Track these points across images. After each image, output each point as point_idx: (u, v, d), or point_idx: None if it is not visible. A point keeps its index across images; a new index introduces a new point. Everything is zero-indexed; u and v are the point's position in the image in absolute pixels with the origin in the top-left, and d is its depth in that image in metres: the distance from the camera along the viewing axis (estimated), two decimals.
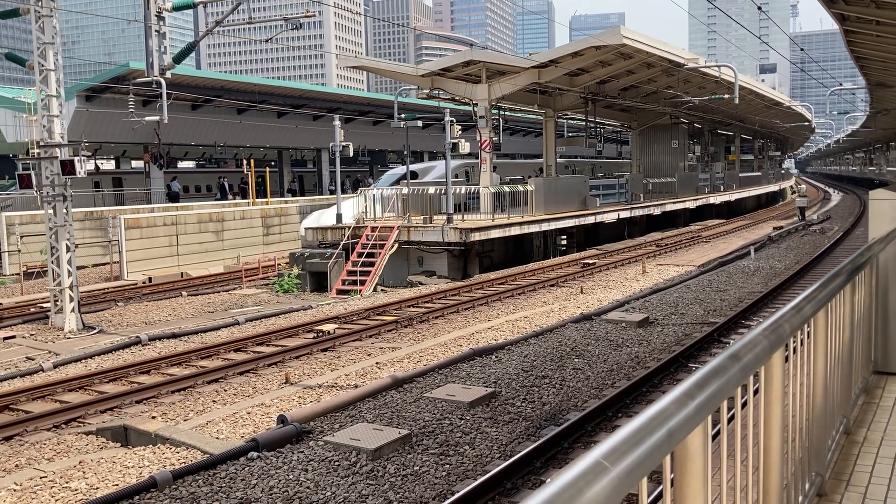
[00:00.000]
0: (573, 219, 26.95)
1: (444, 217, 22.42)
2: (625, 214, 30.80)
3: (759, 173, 57.81)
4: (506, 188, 25.44)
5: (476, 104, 26.67)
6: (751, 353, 2.14)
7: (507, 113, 34.77)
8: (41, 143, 16.29)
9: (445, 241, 21.79)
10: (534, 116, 41.03)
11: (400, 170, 29.99)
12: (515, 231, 23.94)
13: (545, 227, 25.50)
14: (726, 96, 30.60)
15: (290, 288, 21.07)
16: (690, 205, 38.17)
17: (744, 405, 2.45)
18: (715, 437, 4.25)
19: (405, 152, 27.30)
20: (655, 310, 15.07)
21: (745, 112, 43.29)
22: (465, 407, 8.99)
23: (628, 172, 37.91)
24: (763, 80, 75.95)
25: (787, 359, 2.85)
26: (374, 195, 24.57)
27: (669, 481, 1.81)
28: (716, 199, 42.44)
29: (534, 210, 25.62)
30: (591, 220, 28.14)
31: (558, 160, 33.71)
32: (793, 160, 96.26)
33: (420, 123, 29.33)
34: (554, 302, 17.42)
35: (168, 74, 16.16)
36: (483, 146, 26.27)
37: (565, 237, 27.21)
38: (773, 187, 61.00)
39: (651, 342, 12.40)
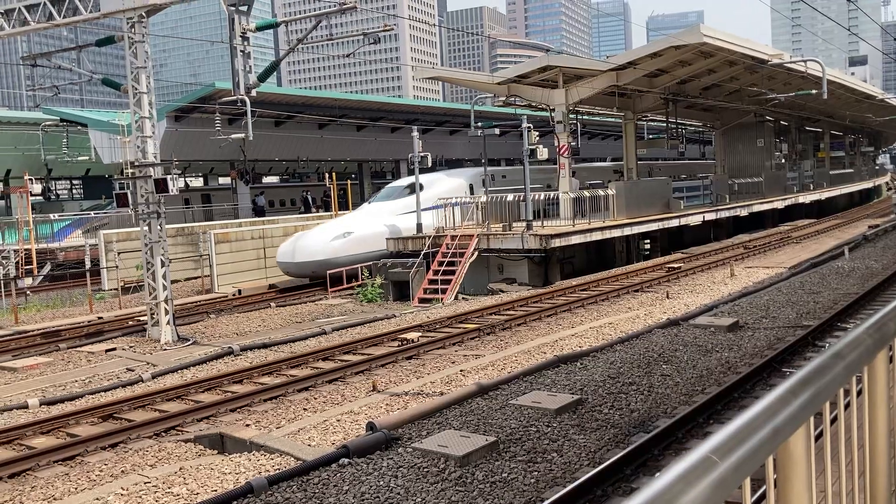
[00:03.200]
0: (656, 222, 26.46)
1: (524, 224, 22.37)
2: (710, 216, 30.05)
3: (851, 170, 55.51)
4: (586, 193, 25.20)
5: (553, 109, 26.54)
6: (854, 353, 2.09)
7: (584, 117, 34.48)
8: (136, 163, 17.06)
9: (525, 249, 21.73)
10: (613, 119, 40.54)
11: (403, 182, 28.53)
12: (597, 236, 23.67)
13: (627, 231, 25.13)
14: (814, 92, 29.52)
15: (374, 297, 21.39)
16: (779, 205, 36.94)
17: (846, 407, 2.39)
18: (817, 439, 4.11)
19: (482, 160, 27.39)
20: (745, 314, 14.66)
21: (834, 107, 41.67)
22: (552, 414, 8.95)
23: (712, 173, 37.00)
24: (853, 74, 73.00)
25: (891, 359, 2.76)
26: (454, 203, 24.67)
27: (773, 482, 1.79)
28: (805, 198, 40.95)
29: (615, 214, 25.28)
30: (674, 223, 27.57)
31: (639, 163, 33.14)
32: (888, 155, 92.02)
33: (497, 131, 29.39)
34: (639, 307, 17.15)
35: (253, 93, 16.69)
36: (561, 151, 26.11)
37: (648, 241, 26.74)
38: (867, 184, 58.43)
39: (742, 347, 12.07)
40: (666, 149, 34.30)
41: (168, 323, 16.60)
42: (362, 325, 17.37)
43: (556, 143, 26.23)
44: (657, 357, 11.58)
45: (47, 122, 38.38)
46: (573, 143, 26.72)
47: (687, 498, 1.08)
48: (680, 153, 37.56)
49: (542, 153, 23.34)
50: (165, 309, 16.65)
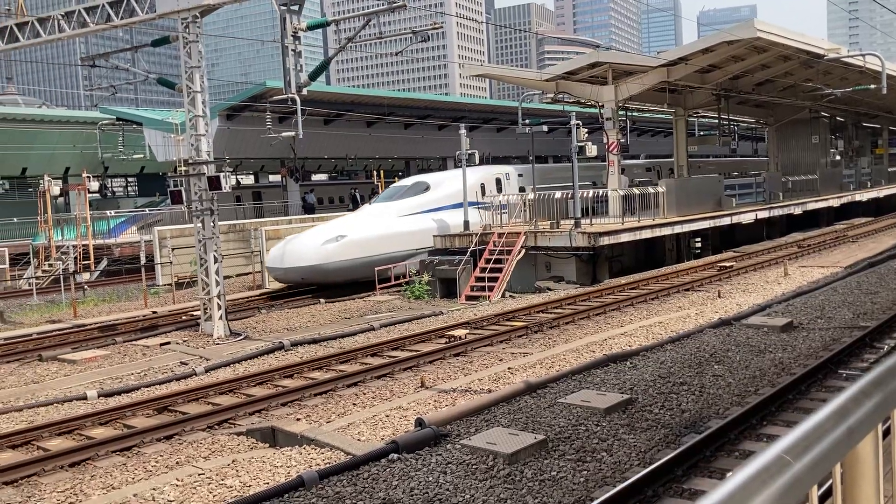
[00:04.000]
0: (707, 220, 26.04)
1: (572, 221, 22.21)
2: (763, 214, 29.46)
3: None
4: (635, 190, 24.92)
5: (602, 106, 26.31)
6: None
7: (634, 114, 34.09)
8: (189, 161, 17.40)
9: (573, 246, 21.59)
10: (663, 116, 40.00)
11: (408, 181, 27.15)
12: (646, 234, 23.40)
13: (678, 229, 24.78)
14: (872, 87, 28.72)
15: (421, 294, 21.48)
16: (834, 203, 36.03)
17: None
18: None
19: (530, 157, 27.29)
20: (800, 314, 14.35)
21: (893, 102, 40.47)
22: (601, 413, 8.88)
23: (765, 171, 36.27)
24: None
25: None
26: (499, 202, 24.59)
27: (839, 482, 1.76)
28: (862, 195, 39.86)
29: (665, 212, 24.96)
30: (726, 221, 27.10)
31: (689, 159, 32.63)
32: None
33: (545, 128, 29.26)
34: (690, 307, 16.91)
35: (304, 91, 16.89)
36: (610, 148, 25.87)
37: (699, 239, 26.33)
38: None
39: (796, 348, 11.82)
40: (717, 146, 33.75)
41: (220, 318, 16.90)
42: (410, 321, 17.45)
43: (604, 140, 25.99)
44: (709, 357, 11.41)
45: (104, 121, 39.38)
46: (622, 140, 26.44)
47: (760, 498, 1.07)
48: (732, 150, 36.87)
49: (591, 150, 23.16)
50: (218, 304, 16.95)
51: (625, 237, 22.47)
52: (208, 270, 17.08)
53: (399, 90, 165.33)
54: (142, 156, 38.60)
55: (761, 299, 16.65)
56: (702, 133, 40.03)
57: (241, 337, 16.60)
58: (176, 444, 9.75)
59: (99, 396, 12.16)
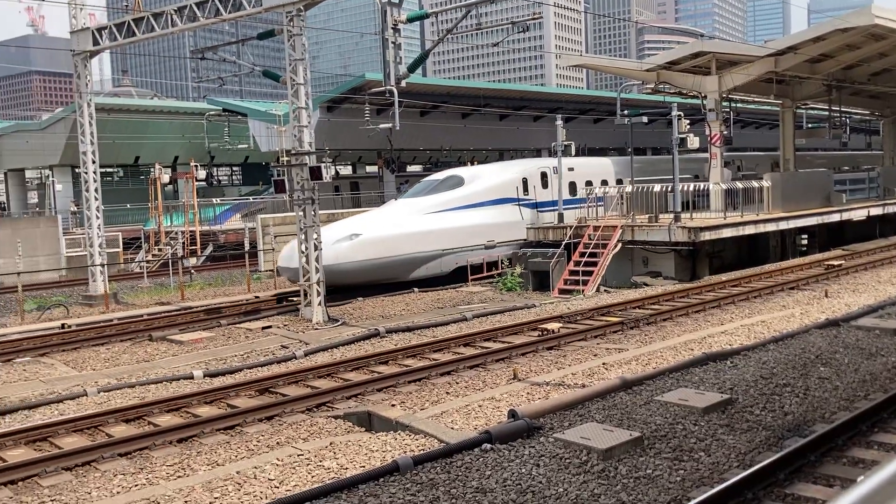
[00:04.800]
0: (815, 216, 24.96)
1: (671, 216, 21.70)
2: (876, 211, 28.01)
3: None
4: (738, 184, 24.11)
5: (705, 97, 25.55)
6: None
7: (738, 105, 32.95)
8: (292, 152, 17.91)
9: (672, 241, 21.09)
10: (768, 108, 38.51)
11: (440, 175, 25.38)
12: (749, 230, 22.63)
13: (783, 225, 23.85)
14: None
15: (514, 286, 21.45)
16: None
17: None
18: None
19: (628, 149, 26.78)
20: None
21: None
22: (699, 412, 8.68)
23: (879, 165, 34.41)
24: None
25: None
26: (596, 195, 24.22)
27: None
28: None
29: (770, 207, 24.05)
30: (835, 217, 25.91)
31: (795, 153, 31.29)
32: None
33: (644, 119, 28.65)
34: (794, 306, 16.27)
35: (403, 84, 17.08)
36: (713, 140, 25.11)
37: (806, 237, 25.26)
38: None
39: None
40: (827, 139, 32.22)
41: (319, 304, 17.37)
42: (502, 313, 17.47)
43: (707, 132, 25.24)
44: (814, 359, 10.96)
45: (211, 112, 40.94)
46: (725, 133, 25.62)
47: None
48: (843, 143, 35.16)
49: (693, 142, 22.52)
50: (317, 290, 17.42)
51: (726, 233, 21.79)
52: (308, 258, 17.55)
53: (495, 81, 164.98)
54: (246, 146, 39.92)
55: (873, 300, 15.85)
56: (810, 126, 38.29)
57: (339, 323, 17.01)
58: (276, 425, 10.10)
59: (204, 376, 12.72)
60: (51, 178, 48.73)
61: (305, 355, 13.99)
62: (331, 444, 8.75)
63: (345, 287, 20.53)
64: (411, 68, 17.23)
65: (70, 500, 7.65)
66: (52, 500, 7.68)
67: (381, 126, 29.69)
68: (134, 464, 8.84)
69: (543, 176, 24.94)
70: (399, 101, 26.40)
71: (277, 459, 8.32)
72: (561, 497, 6.69)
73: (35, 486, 8.34)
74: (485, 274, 23.13)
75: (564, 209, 24.39)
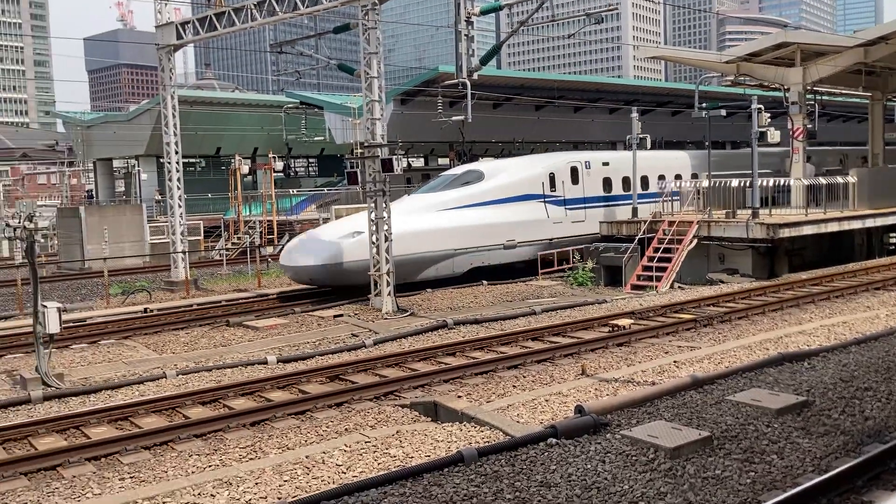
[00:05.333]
0: None
1: (749, 212, 21.11)
2: None
3: None
4: (822, 180, 23.26)
5: (788, 89, 24.72)
6: None
7: (823, 98, 31.75)
8: (365, 144, 18.14)
9: (750, 238, 20.51)
10: (857, 100, 36.99)
11: (458, 170, 24.12)
12: (832, 227, 21.82)
13: (869, 223, 22.90)
14: None
15: (585, 281, 21.23)
16: None
17: None
18: None
19: (706, 143, 26.14)
20: None
21: None
22: (773, 414, 8.44)
23: None
24: None
25: None
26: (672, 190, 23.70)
27: None
28: None
29: (855, 204, 23.12)
30: None
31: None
32: None
33: (723, 112, 27.90)
34: (880, 307, 15.64)
35: (475, 76, 17.09)
36: (795, 134, 24.28)
37: (894, 235, 24.20)
38: None
39: None
40: None
41: (389, 294, 17.57)
42: (572, 308, 17.33)
43: (789, 126, 24.42)
44: None
45: (289, 105, 41.78)
46: (809, 126, 24.74)
47: None
48: None
49: (774, 136, 21.82)
50: (387, 281, 17.63)
51: (807, 230, 21.07)
52: (379, 249, 17.77)
53: (569, 73, 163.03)
54: (322, 138, 40.65)
55: None
56: None
57: (408, 313, 17.17)
58: (345, 412, 10.29)
59: (278, 362, 13.04)
60: (136, 168, 50.62)
61: (374, 344, 14.19)
62: (397, 432, 8.86)
63: (344, 288, 19.44)
64: (483, 60, 17.21)
65: (147, 478, 7.97)
66: (131, 477, 8.02)
67: (454, 118, 29.79)
68: (208, 445, 9.14)
69: (574, 171, 23.48)
70: (472, 94, 26.43)
71: (345, 445, 8.48)
72: (626, 494, 6.62)
73: (116, 462, 8.72)
74: (555, 268, 22.97)
75: (607, 205, 24.15)
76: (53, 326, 11.95)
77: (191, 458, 8.53)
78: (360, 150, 18.33)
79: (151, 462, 8.55)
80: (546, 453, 7.63)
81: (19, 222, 11.96)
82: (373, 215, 17.91)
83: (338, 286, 19.54)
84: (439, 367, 12.25)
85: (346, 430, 9.36)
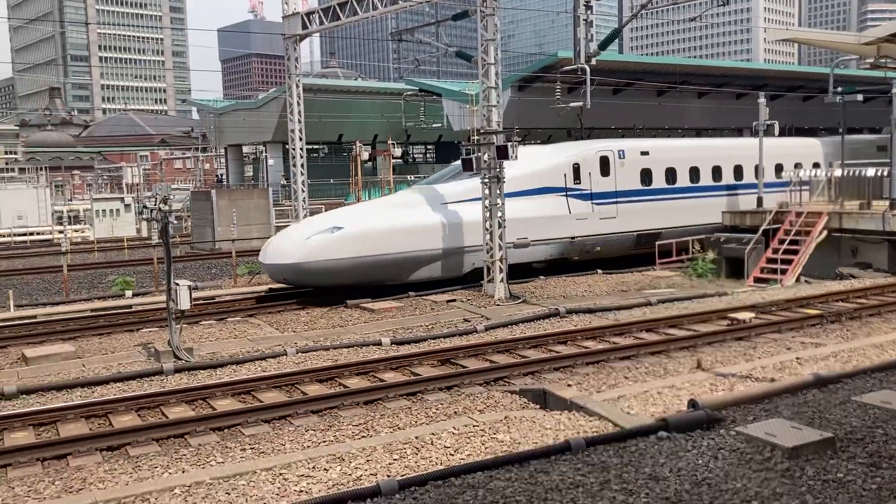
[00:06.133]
0: None
1: (886, 203, 19.81)
2: None
3: None
4: None
5: None
6: None
7: None
8: (481, 131, 18.22)
9: (886, 230, 19.27)
10: None
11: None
12: None
13: None
14: None
15: (705, 273, 20.57)
16: None
17: None
18: None
19: (840, 129, 24.69)
20: None
21: None
22: None
23: None
24: None
25: None
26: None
27: None
28: None
29: None
30: None
31: None
32: None
33: (860, 97, 26.24)
34: None
35: (593, 61, 16.82)
36: None
37: None
38: None
39: None
40: None
41: (502, 281, 17.63)
42: (690, 299, 16.86)
43: None
44: None
45: (408, 92, 42.42)
46: None
47: None
48: None
49: None
50: (500, 267, 17.69)
51: None
52: (492, 235, 17.84)
53: (694, 57, 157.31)
54: (440, 125, 41.05)
55: None
56: None
57: (520, 300, 17.19)
58: (455, 395, 10.45)
59: (391, 344, 13.37)
60: (264, 154, 52.77)
61: (486, 330, 14.30)
62: (505, 417, 8.92)
63: (321, 289, 17.79)
64: (602, 45, 16.91)
65: (266, 450, 8.38)
66: (251, 448, 8.46)
67: (572, 104, 29.35)
68: (324, 421, 9.51)
69: (603, 162, 21.01)
70: (591, 79, 25.99)
71: (454, 428, 8.62)
72: (738, 492, 6.42)
73: (238, 434, 9.22)
74: (674, 258, 22.36)
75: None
76: (185, 303, 12.73)
77: (307, 432, 8.90)
78: (476, 137, 18.43)
79: (270, 435, 8.98)
80: (656, 446, 7.50)
81: (155, 204, 12.76)
82: (486, 202, 17.98)
83: (317, 288, 17.77)
84: (550, 354, 12.23)
85: (455, 413, 9.51)
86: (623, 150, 21.69)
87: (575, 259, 20.99)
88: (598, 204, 20.94)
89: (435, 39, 25.06)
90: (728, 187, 24.30)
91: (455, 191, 19.35)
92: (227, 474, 7.42)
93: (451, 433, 8.45)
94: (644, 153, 22.24)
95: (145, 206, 13.25)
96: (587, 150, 21.26)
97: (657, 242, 22.12)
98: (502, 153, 17.38)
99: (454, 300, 17.33)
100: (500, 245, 17.77)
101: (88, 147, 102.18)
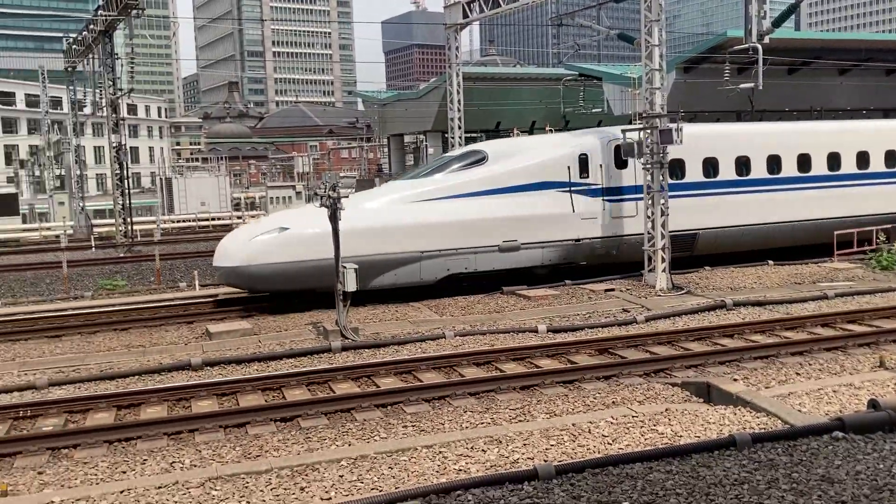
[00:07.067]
0: None
1: None
2: None
3: None
4: None
5: None
6: None
7: None
8: (643, 115, 17.73)
9: None
10: None
11: (458, 151, 20.14)
12: None
13: None
14: None
15: (891, 265, 18.99)
16: None
17: None
18: None
19: None
20: None
21: None
22: None
23: None
24: None
25: None
26: None
27: None
28: None
29: None
30: None
31: None
32: None
33: None
34: None
35: (766, 39, 15.91)
36: None
37: None
38: None
39: None
40: None
41: (664, 270, 17.13)
42: (872, 293, 15.67)
43: None
44: None
45: (567, 77, 41.88)
46: None
47: None
48: None
49: None
50: (662, 256, 17.19)
51: None
52: (654, 223, 17.36)
53: (883, 31, 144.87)
54: (600, 110, 40.24)
55: None
56: None
57: (683, 291, 16.63)
58: (613, 385, 10.30)
59: (548, 331, 13.36)
60: (424, 143, 54.00)
61: (646, 321, 13.98)
62: (666, 409, 8.71)
63: (268, 294, 16.58)
64: (777, 23, 15.96)
65: (427, 428, 8.65)
66: (412, 426, 8.75)
67: (742, 86, 27.87)
68: (481, 403, 9.68)
69: (619, 152, 18.23)
70: (763, 59, 24.63)
71: (612, 417, 8.52)
72: None
73: (400, 411, 9.56)
74: (854, 249, 20.80)
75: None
76: (351, 285, 13.33)
77: (465, 413, 9.09)
78: (638, 122, 17.96)
79: (430, 414, 9.26)
80: (830, 447, 7.07)
81: (325, 191, 13.43)
82: (648, 189, 17.50)
83: (261, 292, 16.57)
84: (714, 348, 11.78)
85: (613, 402, 9.39)
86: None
87: (583, 264, 18.38)
88: (611, 200, 18.31)
89: (595, 22, 24.62)
90: (794, 180, 20.75)
91: (435, 186, 17.39)
92: (389, 449, 7.74)
93: (608, 422, 8.36)
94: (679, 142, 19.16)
95: (316, 194, 13.94)
96: (597, 140, 18.67)
97: (835, 232, 20.61)
98: (666, 137, 16.86)
99: (612, 289, 17.03)
100: (661, 234, 17.26)
101: (263, 138, 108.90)
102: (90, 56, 33.03)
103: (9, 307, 17.38)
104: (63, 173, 48.45)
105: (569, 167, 17.98)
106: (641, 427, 8.20)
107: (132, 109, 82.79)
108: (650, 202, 17.48)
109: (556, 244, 17.84)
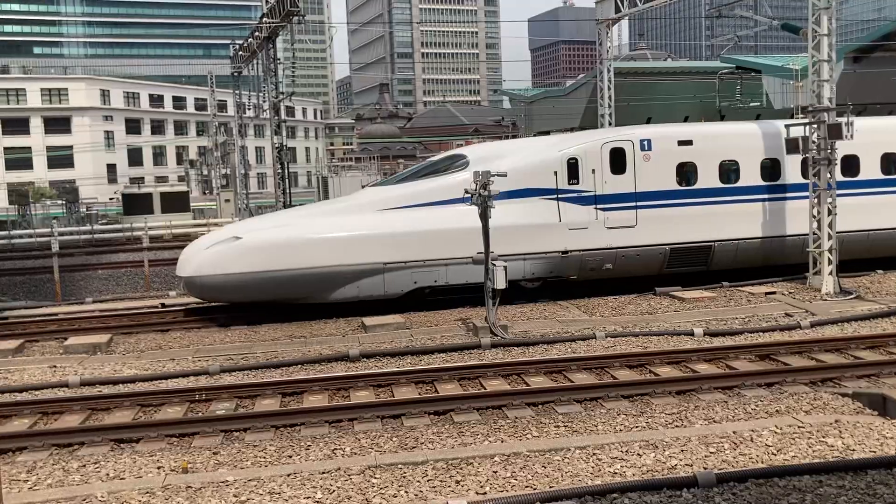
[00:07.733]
0: None
1: None
2: None
3: None
4: None
5: None
6: None
7: None
8: (809, 108, 16.74)
9: None
10: None
11: (438, 156, 18.78)
12: None
13: None
14: None
15: None
16: None
17: None
18: None
19: None
20: None
21: None
22: None
23: None
24: None
25: None
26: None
27: None
28: None
29: None
30: None
31: None
32: None
33: None
34: None
35: None
36: None
37: None
38: None
39: None
40: None
41: (831, 273, 16.14)
42: None
43: None
44: None
45: (723, 70, 40.19)
46: None
47: None
48: None
49: None
50: (829, 259, 16.19)
51: None
52: (821, 223, 16.37)
53: None
54: (758, 103, 38.36)
55: None
56: None
57: (852, 296, 15.59)
58: (776, 393, 9.83)
59: (704, 335, 12.91)
60: None
61: (812, 326, 13.22)
62: (836, 421, 8.22)
63: (232, 305, 16.13)
64: None
65: (579, 429, 8.59)
66: (565, 426, 8.72)
67: None
68: (635, 406, 9.50)
69: (616, 155, 16.70)
70: None
71: (776, 427, 8.14)
72: None
73: (551, 411, 9.56)
74: None
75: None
76: (500, 283, 13.44)
77: (618, 416, 8.96)
78: (801, 116, 16.98)
79: (583, 415, 9.19)
80: None
81: (475, 189, 13.59)
82: (814, 187, 16.52)
83: (218, 303, 16.17)
84: (890, 357, 10.98)
85: (776, 411, 8.97)
86: (648, 141, 17.01)
87: (572, 278, 16.89)
88: (605, 209, 16.67)
89: (755, 13, 23.48)
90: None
91: (408, 192, 16.49)
92: (542, 448, 7.76)
93: (772, 431, 8.00)
94: (684, 142, 17.33)
95: (466, 191, 14.11)
96: (590, 143, 17.00)
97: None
98: (834, 132, 15.85)
99: (773, 292, 16.20)
100: (829, 234, 16.25)
101: (412, 137, 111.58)
102: (254, 61, 35.01)
103: (182, 297, 18.74)
104: (228, 172, 51.69)
105: (556, 172, 16.51)
106: (809, 438, 7.79)
107: (290, 111, 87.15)
108: (816, 202, 16.50)
109: (539, 256, 16.46)
